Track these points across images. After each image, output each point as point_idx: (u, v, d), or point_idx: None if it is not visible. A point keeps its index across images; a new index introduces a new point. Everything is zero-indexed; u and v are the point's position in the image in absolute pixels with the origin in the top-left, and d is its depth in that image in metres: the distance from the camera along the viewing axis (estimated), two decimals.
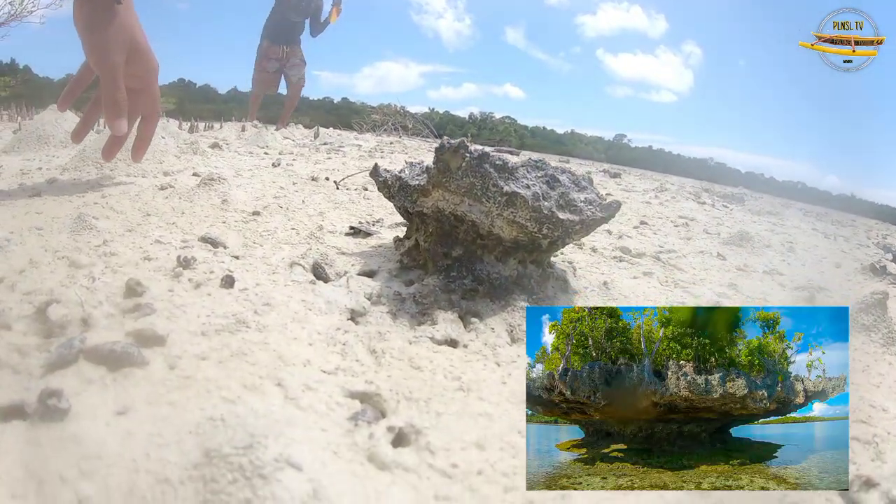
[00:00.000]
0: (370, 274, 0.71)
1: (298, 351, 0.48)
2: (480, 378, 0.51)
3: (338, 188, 1.48)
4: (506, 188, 0.62)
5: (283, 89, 5.37)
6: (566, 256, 0.94)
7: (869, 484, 0.49)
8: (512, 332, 0.61)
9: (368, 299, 0.62)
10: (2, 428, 0.36)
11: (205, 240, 0.80)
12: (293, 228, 0.93)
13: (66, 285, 0.61)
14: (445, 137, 0.60)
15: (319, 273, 0.67)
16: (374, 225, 1.01)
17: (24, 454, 0.33)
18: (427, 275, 0.68)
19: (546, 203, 0.65)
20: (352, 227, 0.96)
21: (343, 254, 0.79)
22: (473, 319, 0.61)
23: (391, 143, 3.91)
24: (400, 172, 0.75)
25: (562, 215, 0.66)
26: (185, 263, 0.65)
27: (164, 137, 2.00)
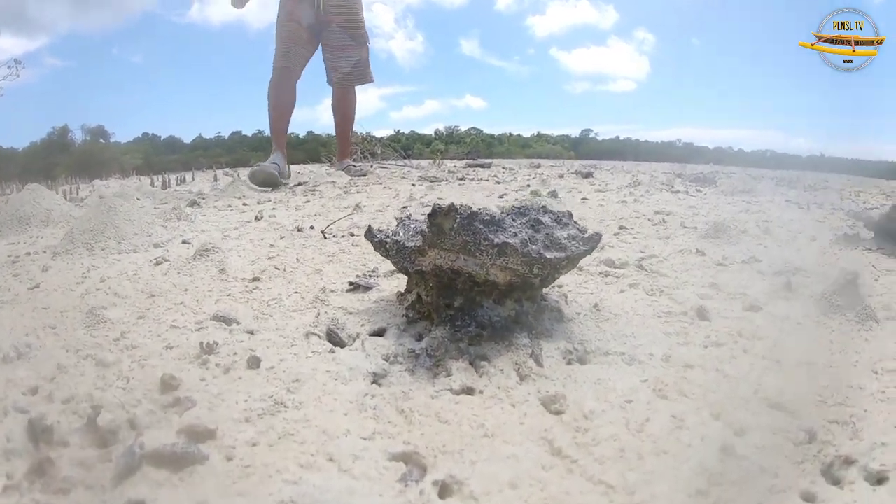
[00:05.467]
0: (380, 332, 0.76)
1: (337, 422, 0.53)
2: (501, 422, 0.56)
3: (325, 237, 1.53)
4: (496, 240, 0.68)
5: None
6: (555, 281, 1.00)
7: (848, 462, 0.55)
8: (519, 370, 0.67)
9: (386, 360, 0.67)
10: None
11: (217, 318, 0.84)
12: (296, 292, 0.98)
13: (100, 388, 0.65)
14: (436, 203, 0.66)
15: (334, 339, 0.72)
16: (371, 277, 1.06)
17: None
18: (433, 326, 0.73)
19: (534, 247, 0.71)
20: (351, 283, 1.01)
21: (350, 314, 0.84)
22: (483, 363, 0.67)
23: (365, 176, 3.96)
24: (394, 235, 0.81)
25: (549, 255, 0.72)
26: (208, 349, 0.70)
27: (139, 199, 2.03)
